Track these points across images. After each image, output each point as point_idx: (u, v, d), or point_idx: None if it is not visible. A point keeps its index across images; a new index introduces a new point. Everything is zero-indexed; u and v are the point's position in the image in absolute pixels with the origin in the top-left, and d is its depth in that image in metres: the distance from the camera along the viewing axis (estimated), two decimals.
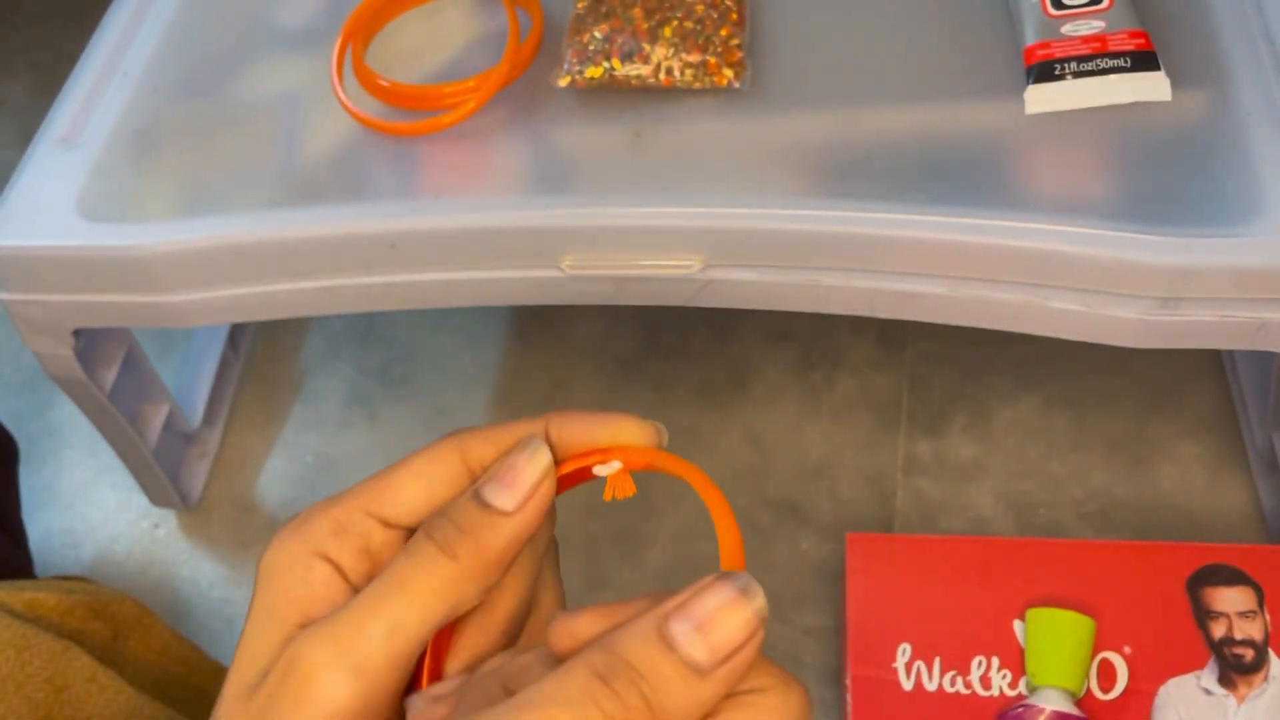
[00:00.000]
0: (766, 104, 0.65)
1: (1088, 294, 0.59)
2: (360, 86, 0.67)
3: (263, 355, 0.94)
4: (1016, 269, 0.59)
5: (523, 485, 0.31)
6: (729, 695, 0.27)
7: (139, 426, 0.79)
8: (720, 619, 0.27)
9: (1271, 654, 0.67)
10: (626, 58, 0.65)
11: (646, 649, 0.27)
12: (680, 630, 0.27)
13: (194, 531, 0.87)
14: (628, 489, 0.33)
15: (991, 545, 0.72)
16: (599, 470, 0.32)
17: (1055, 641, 0.67)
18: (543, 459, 0.31)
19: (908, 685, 0.68)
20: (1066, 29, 0.63)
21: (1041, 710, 0.65)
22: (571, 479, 0.33)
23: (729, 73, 0.65)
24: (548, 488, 0.31)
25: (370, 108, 0.67)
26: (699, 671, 0.26)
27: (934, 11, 0.68)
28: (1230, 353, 0.84)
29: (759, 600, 0.27)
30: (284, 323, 0.95)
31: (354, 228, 0.63)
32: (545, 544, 0.35)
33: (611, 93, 0.66)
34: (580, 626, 0.28)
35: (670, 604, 0.27)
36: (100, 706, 0.51)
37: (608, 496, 0.33)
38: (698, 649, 0.26)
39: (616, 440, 0.33)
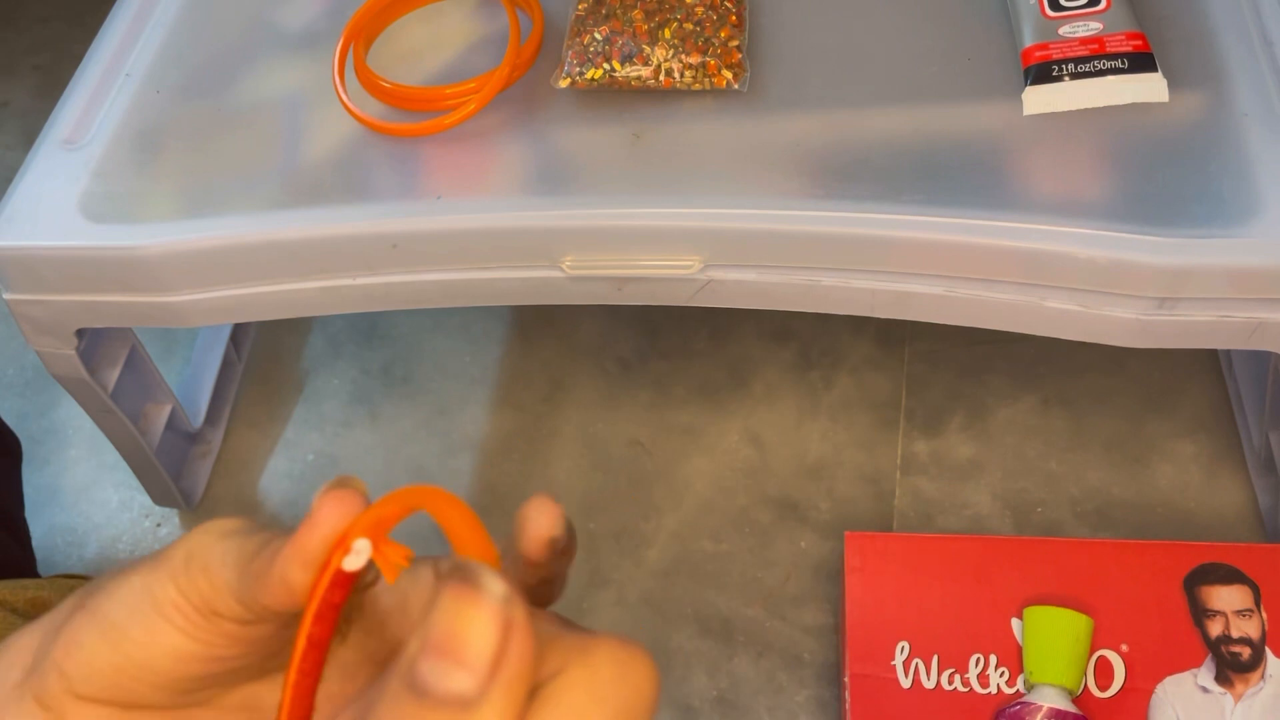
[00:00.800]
0: (766, 105, 0.65)
1: (1085, 294, 0.59)
2: (362, 88, 0.68)
3: (265, 355, 0.95)
4: (1014, 269, 0.60)
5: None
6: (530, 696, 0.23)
7: (141, 426, 0.80)
8: (463, 631, 0.22)
9: (1268, 652, 0.67)
10: (626, 59, 0.65)
11: (402, 710, 0.22)
12: (429, 669, 0.22)
13: None
14: (400, 557, 0.29)
15: (989, 544, 0.72)
16: (349, 564, 0.29)
17: (1053, 639, 0.67)
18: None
19: (906, 683, 0.68)
20: (1064, 30, 0.63)
21: (1039, 708, 0.66)
22: (339, 587, 0.29)
23: (728, 74, 0.65)
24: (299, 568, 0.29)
25: (372, 109, 0.67)
26: (470, 703, 0.22)
27: (932, 13, 0.68)
28: (1227, 352, 0.84)
29: (493, 585, 0.22)
30: (286, 323, 0.96)
31: (356, 228, 0.63)
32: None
33: (611, 94, 0.66)
34: None
35: (410, 648, 0.22)
36: None
37: (391, 579, 0.29)
38: (457, 679, 0.22)
39: (342, 524, 0.29)
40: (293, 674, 0.29)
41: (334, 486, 0.29)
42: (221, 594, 0.30)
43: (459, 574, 0.22)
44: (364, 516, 0.28)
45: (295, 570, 0.28)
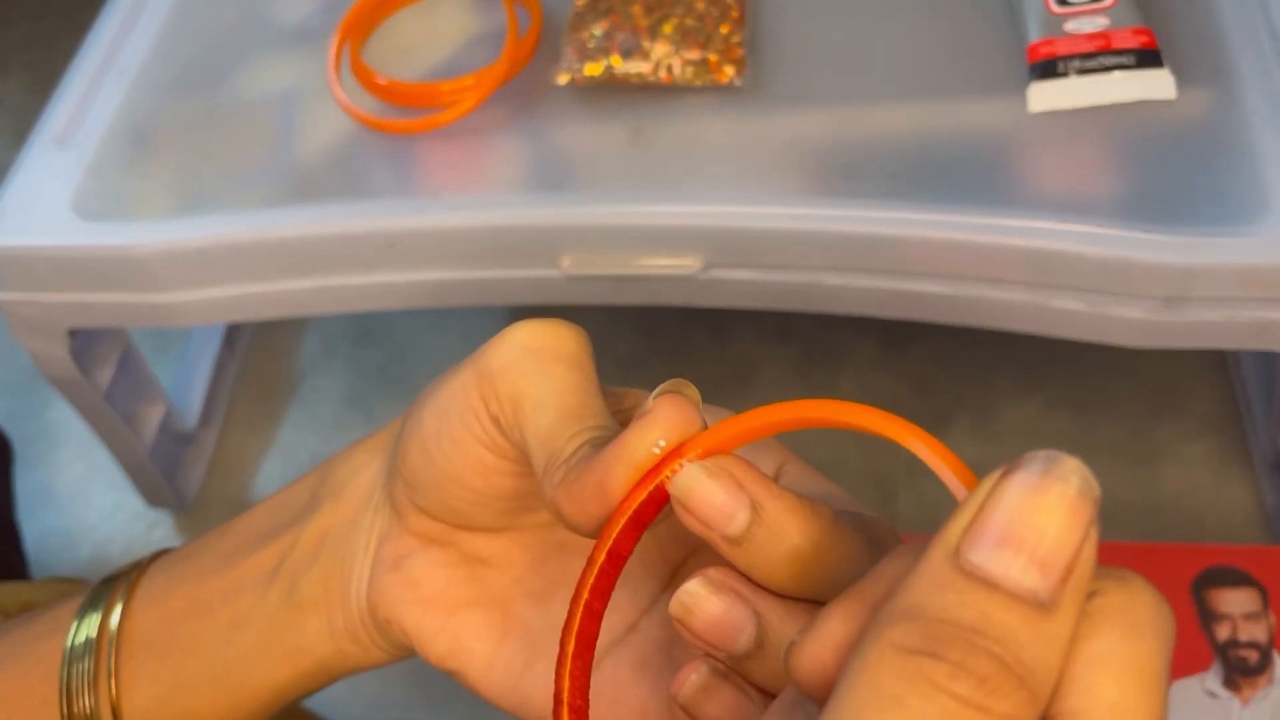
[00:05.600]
0: (767, 102, 0.64)
1: (1092, 294, 0.59)
2: (358, 84, 0.67)
3: (259, 355, 0.94)
4: (1019, 268, 0.59)
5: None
6: None
7: (135, 427, 0.79)
8: (1044, 525, 0.19)
9: (1276, 656, 0.67)
10: (626, 55, 0.64)
11: (960, 597, 0.19)
12: (995, 559, 0.19)
13: (190, 532, 0.86)
14: None
15: None
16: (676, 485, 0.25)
17: None
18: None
19: None
20: (1070, 26, 0.63)
21: None
22: (655, 505, 0.25)
23: (729, 70, 0.64)
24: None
25: (368, 105, 0.66)
26: (1042, 605, 0.19)
27: (936, 9, 0.68)
28: (1234, 353, 0.84)
29: (1076, 476, 0.19)
30: (281, 322, 0.95)
31: (352, 226, 0.63)
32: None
33: (611, 90, 0.65)
34: (830, 632, 0.21)
35: (951, 530, 0.20)
36: None
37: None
38: (1032, 577, 0.19)
39: (675, 433, 0.25)
40: (586, 590, 0.25)
41: (671, 390, 0.26)
42: (518, 431, 0.28)
43: (1036, 463, 0.20)
44: (707, 436, 0.25)
45: (618, 476, 0.25)
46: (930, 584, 0.20)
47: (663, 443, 0.25)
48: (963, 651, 0.19)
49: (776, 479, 0.30)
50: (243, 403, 0.92)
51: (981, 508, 0.20)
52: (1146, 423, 0.83)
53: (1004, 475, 0.20)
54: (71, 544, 0.86)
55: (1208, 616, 0.68)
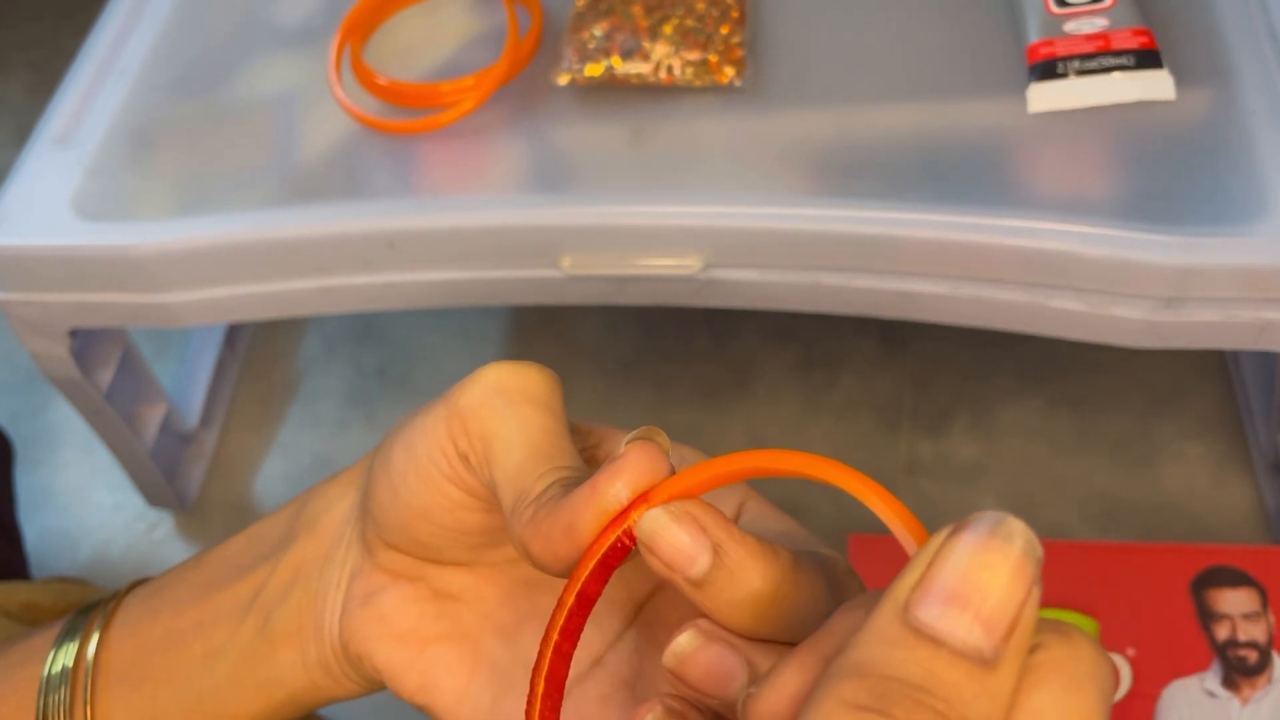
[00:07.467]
0: (767, 102, 0.64)
1: (1091, 294, 0.59)
2: (358, 84, 0.67)
3: (260, 355, 0.94)
4: (1019, 269, 0.59)
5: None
6: None
7: (135, 427, 0.79)
8: (987, 584, 0.20)
9: (1275, 656, 0.67)
10: (627, 55, 0.64)
11: (907, 654, 0.20)
12: (940, 615, 0.20)
13: (191, 533, 0.86)
14: None
15: None
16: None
17: None
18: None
19: None
20: (1069, 27, 0.63)
21: None
22: (624, 549, 0.26)
23: (730, 71, 0.64)
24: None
25: (368, 106, 0.66)
26: (986, 662, 0.20)
27: (936, 9, 0.67)
28: (1234, 352, 0.84)
29: (1021, 538, 0.20)
30: (281, 323, 0.95)
31: (352, 226, 0.63)
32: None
33: (611, 91, 0.65)
34: (784, 685, 0.23)
35: (900, 586, 0.21)
36: None
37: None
38: (976, 634, 0.20)
39: (644, 480, 0.26)
40: (555, 631, 0.26)
41: (641, 437, 0.27)
42: (486, 470, 0.28)
43: (984, 523, 0.21)
44: (674, 482, 0.26)
45: (587, 520, 0.26)
46: (879, 640, 0.20)
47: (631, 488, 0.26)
48: (909, 709, 0.19)
49: (737, 516, 0.31)
50: (243, 403, 0.92)
51: (930, 565, 0.21)
52: (1145, 423, 0.83)
53: (952, 533, 0.21)
54: (72, 545, 0.86)
55: (1207, 616, 0.68)
